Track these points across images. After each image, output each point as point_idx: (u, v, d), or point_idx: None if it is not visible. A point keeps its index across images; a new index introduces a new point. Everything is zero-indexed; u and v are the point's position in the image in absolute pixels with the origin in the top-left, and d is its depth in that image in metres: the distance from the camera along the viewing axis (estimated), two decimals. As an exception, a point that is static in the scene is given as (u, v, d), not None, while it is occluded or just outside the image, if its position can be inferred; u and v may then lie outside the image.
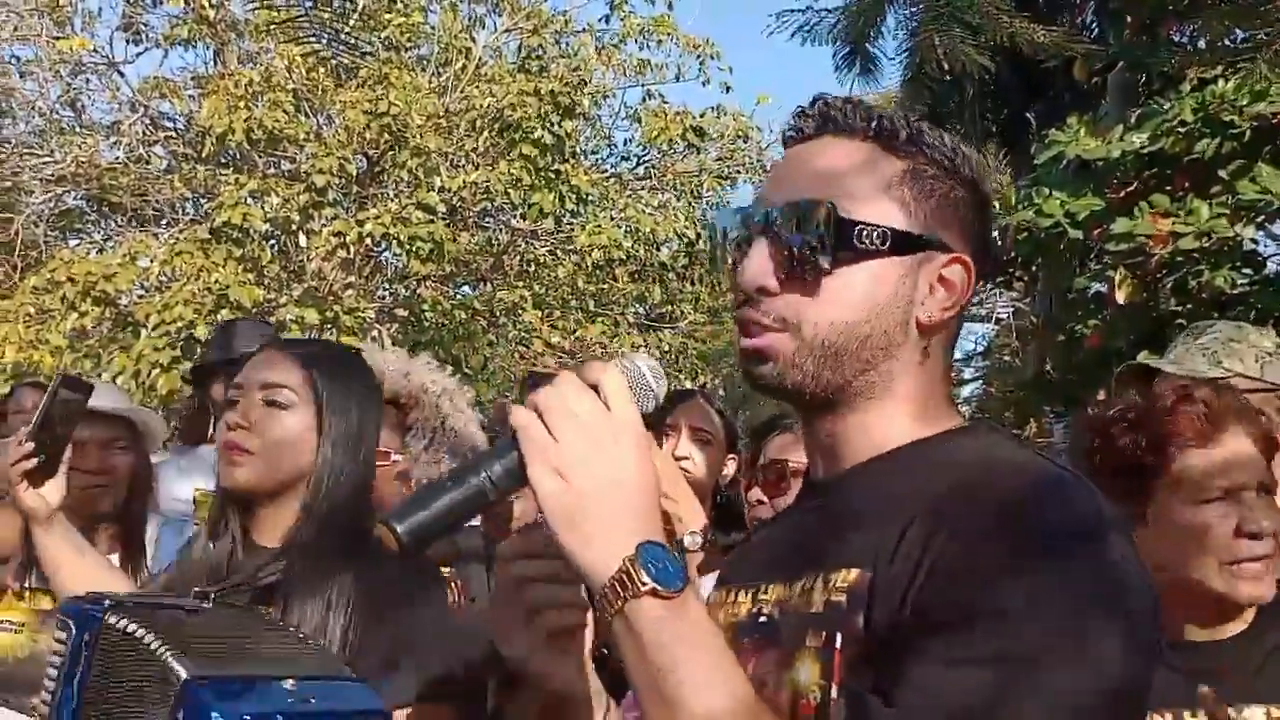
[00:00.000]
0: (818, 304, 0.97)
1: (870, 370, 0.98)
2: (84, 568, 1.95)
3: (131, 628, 1.24)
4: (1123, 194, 5.57)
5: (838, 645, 0.89)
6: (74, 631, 1.29)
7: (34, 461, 1.85)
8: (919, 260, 0.98)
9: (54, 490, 1.89)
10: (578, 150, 11.03)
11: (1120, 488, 1.47)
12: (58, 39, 10.55)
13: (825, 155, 1.00)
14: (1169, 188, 5.48)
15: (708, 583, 2.02)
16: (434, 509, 0.88)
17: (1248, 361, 2.03)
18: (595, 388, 0.89)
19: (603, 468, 0.86)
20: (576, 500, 0.85)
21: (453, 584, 2.08)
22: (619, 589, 0.84)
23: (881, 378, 0.98)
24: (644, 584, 0.83)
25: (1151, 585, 0.87)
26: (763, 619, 1.00)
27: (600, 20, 11.90)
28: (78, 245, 11.44)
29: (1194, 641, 1.44)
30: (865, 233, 0.96)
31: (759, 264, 0.98)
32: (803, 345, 0.97)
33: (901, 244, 0.97)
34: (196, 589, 1.47)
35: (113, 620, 1.26)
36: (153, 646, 1.20)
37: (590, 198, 10.57)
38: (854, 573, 0.91)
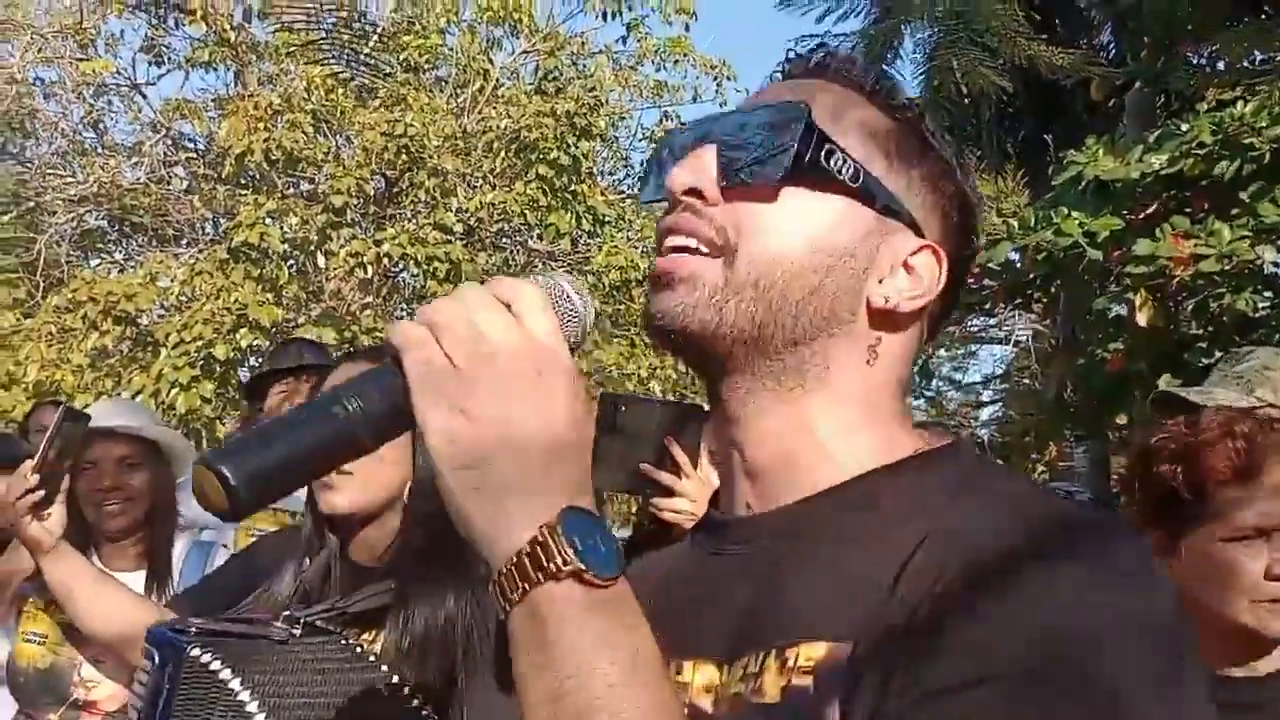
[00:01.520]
0: (764, 225, 0.75)
1: (803, 345, 0.76)
2: (99, 594, 1.96)
3: (213, 664, 1.23)
4: (1142, 215, 5.55)
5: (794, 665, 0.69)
6: (157, 662, 1.28)
7: (40, 495, 1.86)
8: (888, 227, 0.78)
9: (55, 521, 1.91)
10: (594, 171, 11.08)
11: (1157, 517, 1.48)
12: (81, 61, 10.68)
13: (814, 88, 0.81)
14: (1188, 209, 5.46)
15: None
16: (277, 450, 0.63)
17: None
18: (509, 305, 0.67)
19: (520, 406, 0.63)
20: (480, 445, 0.63)
21: None
22: (530, 566, 0.62)
23: (815, 363, 0.76)
24: (566, 562, 0.61)
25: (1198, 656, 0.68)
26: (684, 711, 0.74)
27: (617, 42, 11.98)
28: (99, 265, 11.55)
29: (1232, 677, 1.42)
30: (838, 156, 0.76)
31: (696, 164, 0.77)
32: (732, 278, 0.74)
33: (874, 192, 0.77)
34: (287, 612, 1.43)
35: (195, 653, 1.26)
36: (231, 686, 1.20)
37: (607, 218, 10.61)
38: (821, 647, 0.68)
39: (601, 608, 0.62)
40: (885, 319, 0.78)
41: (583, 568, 0.61)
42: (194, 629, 1.34)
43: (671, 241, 0.77)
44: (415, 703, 1.37)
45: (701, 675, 0.75)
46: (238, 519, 0.65)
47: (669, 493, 1.97)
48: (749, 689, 0.71)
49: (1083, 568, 0.64)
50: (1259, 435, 1.41)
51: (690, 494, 2.02)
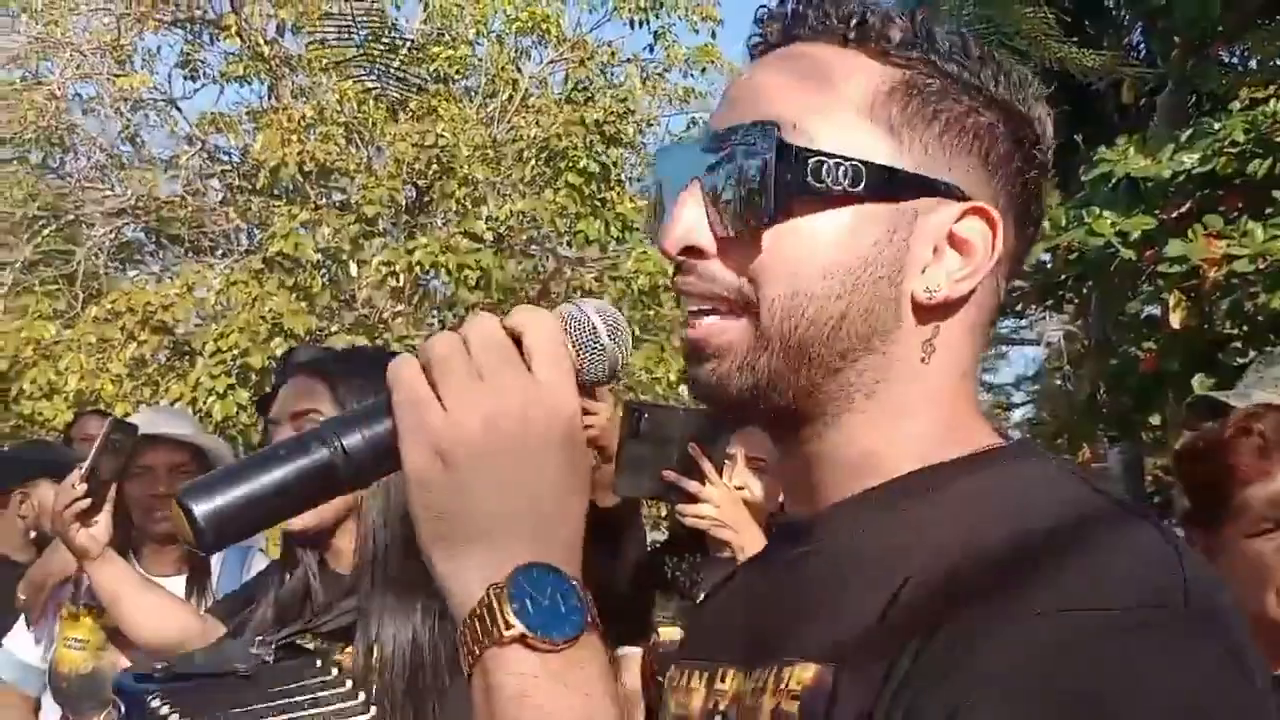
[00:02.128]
0: (771, 267, 0.68)
1: (846, 369, 0.69)
2: (145, 600, 2.00)
3: (170, 715, 1.27)
4: (1175, 215, 5.51)
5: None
6: (123, 713, 1.32)
7: (86, 503, 1.91)
8: (912, 210, 0.68)
9: (102, 529, 1.95)
10: (623, 178, 11.12)
11: (1196, 520, 1.50)
12: (118, 76, 10.87)
13: (784, 65, 0.71)
14: (1221, 209, 5.41)
15: None
16: (252, 487, 0.60)
17: None
18: (518, 340, 0.63)
19: (501, 454, 0.59)
20: (456, 495, 0.59)
21: None
22: (478, 628, 0.58)
23: (863, 380, 0.69)
24: (508, 626, 0.57)
25: (1256, 677, 0.59)
26: (717, 718, 0.73)
27: (645, 50, 12.04)
28: (136, 276, 11.73)
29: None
30: (826, 168, 0.66)
31: (688, 215, 0.69)
32: (760, 336, 0.68)
33: (884, 185, 0.67)
34: (261, 637, 1.43)
35: (154, 704, 1.29)
36: None
37: (635, 225, 10.65)
38: (811, 670, 0.64)
39: (550, 674, 0.58)
40: (937, 310, 0.70)
41: (525, 632, 0.57)
42: (159, 676, 1.35)
43: (690, 306, 0.71)
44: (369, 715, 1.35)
45: (732, 682, 0.73)
46: (208, 553, 0.61)
47: (693, 499, 1.99)
48: (755, 704, 0.68)
49: (1069, 620, 0.56)
50: (1277, 429, 1.41)
51: (715, 500, 2.04)
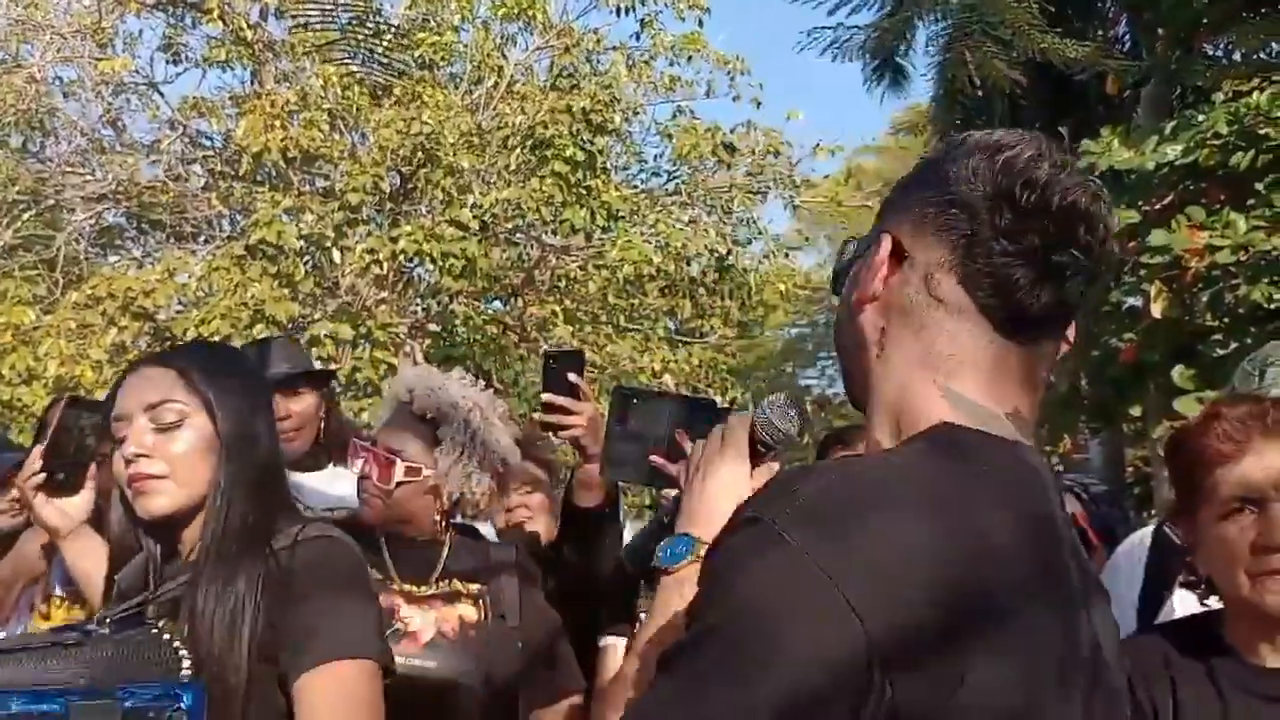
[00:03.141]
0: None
1: (855, 373, 1.00)
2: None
3: None
4: (1158, 207, 5.54)
5: None
6: None
7: (41, 477, 1.92)
8: (868, 255, 1.00)
9: (79, 506, 1.96)
10: (609, 166, 11.09)
11: (1178, 511, 1.51)
12: (99, 60, 10.77)
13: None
14: (1204, 200, 5.44)
15: None
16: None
17: None
18: (725, 438, 1.14)
19: (701, 492, 1.12)
20: (682, 514, 1.14)
21: (479, 601, 2.08)
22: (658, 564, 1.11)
23: (859, 384, 1.00)
24: (659, 561, 1.10)
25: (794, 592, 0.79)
26: None
27: (631, 37, 11.99)
28: (117, 262, 11.64)
29: (1270, 668, 1.42)
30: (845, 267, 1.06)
31: None
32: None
33: (850, 259, 1.05)
34: (99, 614, 1.49)
35: None
36: None
37: (621, 213, 10.62)
38: None
39: (667, 584, 1.09)
40: (877, 311, 0.96)
41: (660, 565, 1.10)
42: None
43: None
44: (176, 645, 1.44)
45: None
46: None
47: (678, 485, 1.99)
48: None
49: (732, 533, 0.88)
50: (1248, 416, 1.42)
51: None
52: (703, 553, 0.93)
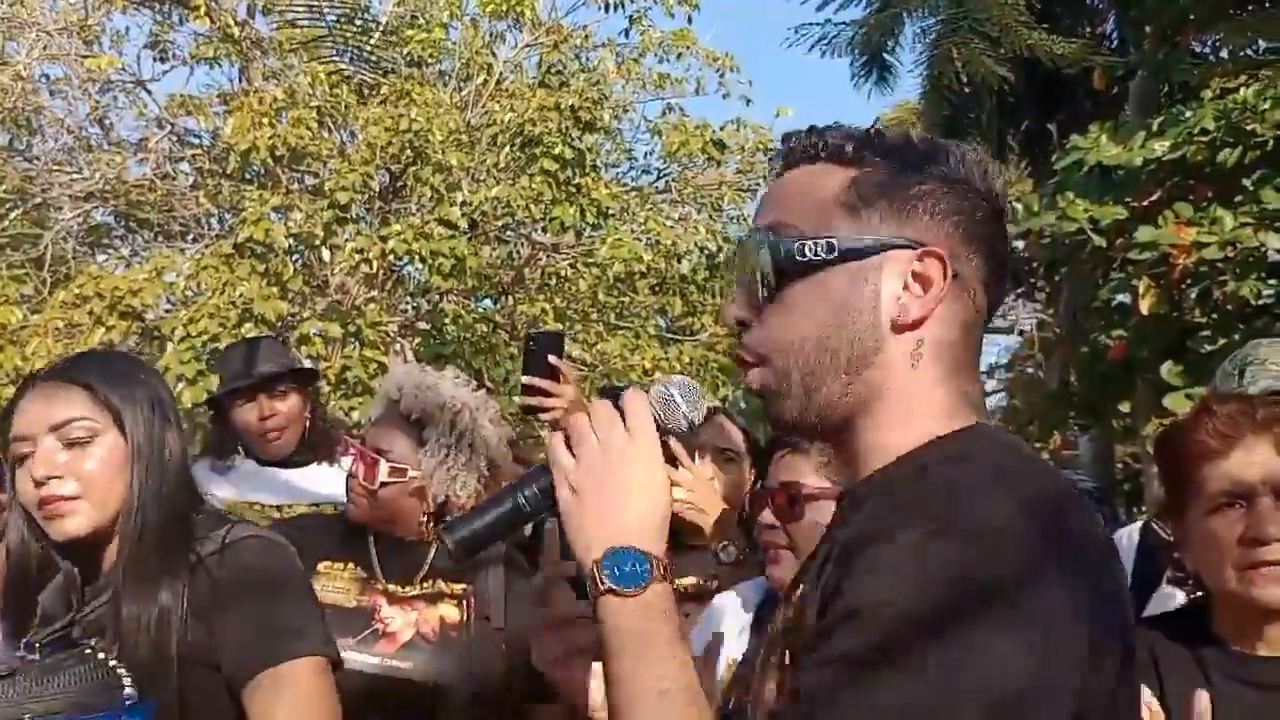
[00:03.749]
0: (777, 328, 0.97)
1: (855, 382, 0.96)
2: None
3: None
4: (1146, 203, 5.55)
5: (786, 662, 0.93)
6: None
7: None
8: (878, 263, 0.95)
9: None
10: (598, 164, 11.06)
11: (1168, 508, 1.53)
12: (86, 57, 10.70)
13: (780, 184, 1.02)
14: (1192, 197, 5.45)
15: (727, 599, 2.04)
16: (481, 523, 1.05)
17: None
18: (622, 412, 0.99)
19: (606, 483, 0.97)
20: (579, 511, 0.98)
21: (463, 602, 2.07)
22: (590, 586, 0.96)
23: (869, 388, 0.96)
24: (602, 584, 0.94)
25: (1038, 560, 0.81)
26: None
27: (620, 35, 11.96)
28: (105, 261, 11.57)
29: (1260, 656, 1.43)
30: (809, 246, 0.95)
31: (736, 298, 1.01)
32: (778, 374, 0.97)
33: (851, 251, 0.95)
34: (26, 639, 1.46)
35: None
36: None
37: (611, 211, 10.59)
38: (811, 611, 0.92)
39: (629, 611, 0.93)
40: (910, 326, 0.96)
41: (614, 587, 0.93)
42: None
43: (738, 359, 1.02)
44: (120, 671, 1.42)
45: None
46: (459, 562, 1.06)
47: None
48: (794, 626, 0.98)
49: (930, 512, 0.84)
50: (1238, 412, 1.43)
51: (686, 484, 2.04)
52: (662, 571, 0.94)
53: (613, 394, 1.93)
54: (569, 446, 1.00)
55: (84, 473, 1.51)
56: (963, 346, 0.98)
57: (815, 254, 0.95)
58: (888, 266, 0.95)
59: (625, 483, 0.97)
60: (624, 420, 0.99)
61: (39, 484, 1.50)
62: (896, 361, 0.96)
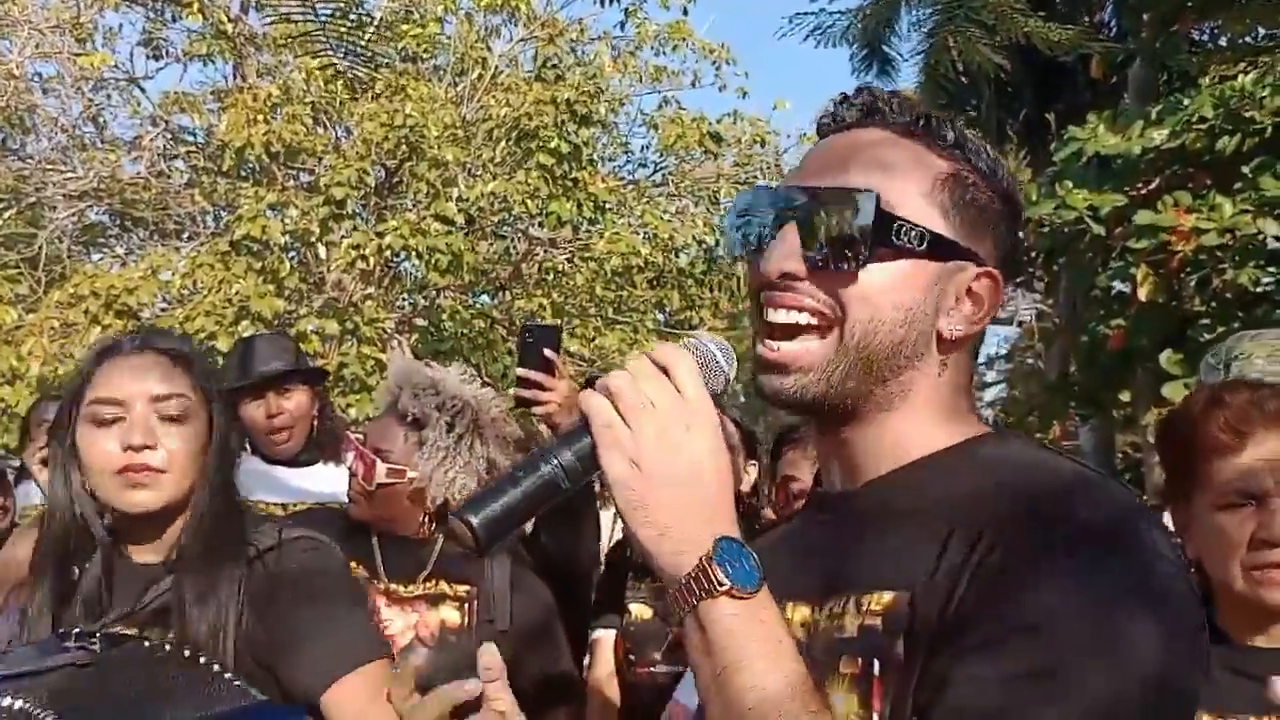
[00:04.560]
0: (858, 296, 0.92)
1: (892, 380, 0.94)
2: None
3: (36, 712, 1.24)
4: (1144, 191, 5.53)
5: (876, 673, 0.86)
6: None
7: (45, 452, 1.90)
8: (952, 269, 0.94)
9: None
10: (595, 158, 11.03)
11: (1170, 494, 1.51)
12: (79, 55, 10.66)
13: (870, 146, 0.95)
14: (1190, 185, 5.44)
15: None
16: (507, 500, 0.84)
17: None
18: (666, 370, 0.86)
19: (677, 456, 0.83)
20: (650, 491, 0.82)
21: (465, 605, 2.04)
22: (694, 587, 0.81)
23: (901, 388, 0.95)
24: (721, 584, 0.81)
25: (1188, 582, 0.84)
26: None
27: (615, 27, 11.93)
28: (100, 259, 11.55)
29: (1259, 647, 1.42)
30: (905, 230, 0.91)
31: (787, 247, 0.92)
32: (841, 349, 0.92)
33: (938, 249, 0.93)
34: (78, 629, 1.43)
35: (10, 703, 1.26)
36: None
37: (608, 205, 10.57)
38: (888, 595, 0.87)
39: (747, 613, 0.81)
40: (954, 343, 0.96)
41: (733, 586, 0.81)
42: None
43: (777, 317, 0.93)
44: (229, 676, 1.41)
45: (799, 614, 0.95)
46: (484, 554, 0.90)
47: None
48: (834, 625, 0.91)
49: (1081, 554, 0.81)
50: (1249, 405, 1.40)
51: None
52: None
53: (540, 331, 1.87)
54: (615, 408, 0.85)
55: (173, 448, 1.52)
56: (974, 363, 1.01)
57: (911, 241, 0.91)
58: (954, 276, 0.94)
59: (699, 457, 0.83)
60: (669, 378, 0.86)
61: (132, 449, 1.50)
62: (930, 369, 0.96)
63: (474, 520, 0.83)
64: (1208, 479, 1.42)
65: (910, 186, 0.93)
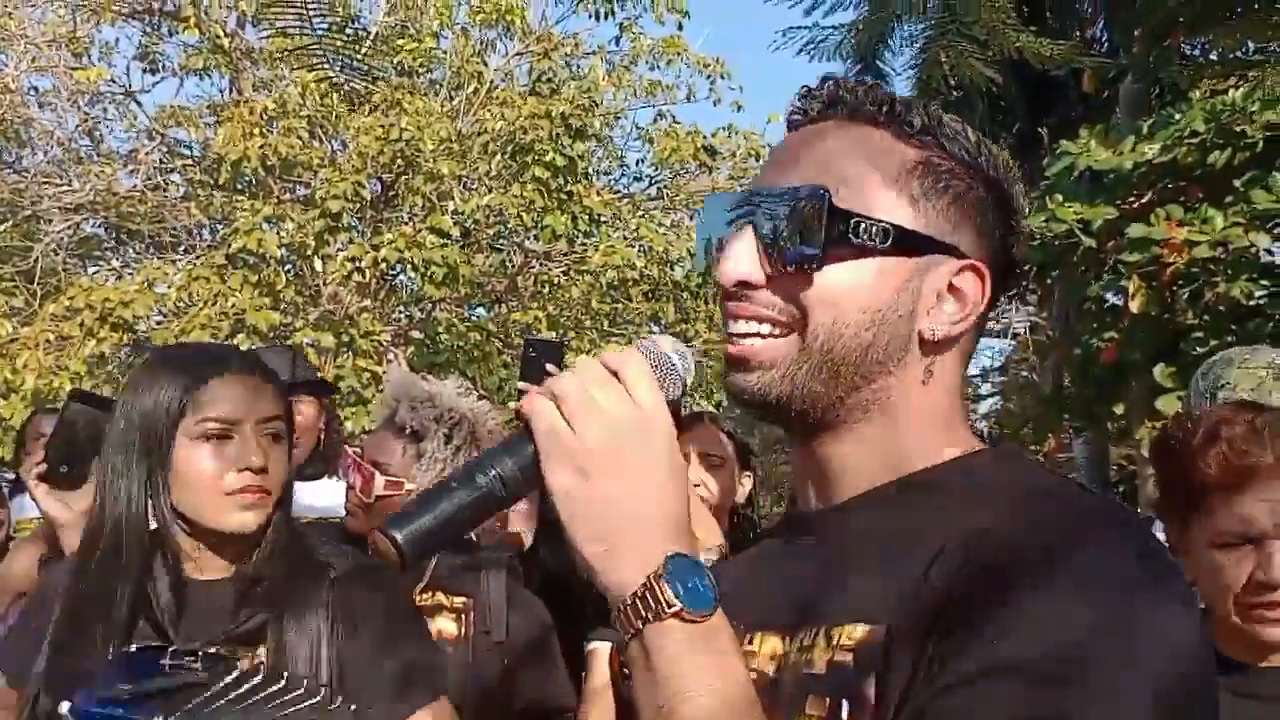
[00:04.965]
0: (818, 299, 0.84)
1: (865, 387, 0.86)
2: None
3: None
4: (1136, 205, 5.56)
5: (844, 715, 0.78)
6: None
7: (43, 468, 1.92)
8: (925, 264, 0.85)
9: (81, 499, 1.94)
10: (590, 172, 11.06)
11: (1169, 511, 1.49)
12: (75, 69, 10.68)
13: (828, 139, 0.87)
14: (1183, 199, 5.46)
15: None
16: (437, 514, 0.77)
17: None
18: (617, 374, 0.79)
19: (627, 465, 0.76)
20: (598, 504, 0.76)
21: (462, 616, 2.05)
22: (641, 608, 0.74)
23: (877, 397, 0.86)
24: (670, 605, 0.73)
25: (1207, 648, 0.77)
26: (751, 676, 0.83)
27: (610, 42, 11.97)
28: (96, 273, 11.53)
29: (1260, 668, 1.41)
30: (864, 226, 0.83)
31: (742, 253, 0.85)
32: (804, 351, 0.85)
33: (906, 243, 0.84)
34: (175, 647, 1.41)
35: None
36: None
37: (603, 219, 10.60)
38: (862, 628, 0.79)
39: (699, 640, 0.74)
40: (937, 345, 0.87)
41: (683, 609, 0.74)
42: (128, 696, 1.33)
43: (738, 328, 0.87)
44: (338, 705, 1.41)
45: (768, 645, 0.86)
46: (405, 571, 0.84)
47: None
48: (803, 659, 0.82)
49: (1083, 573, 0.73)
50: (1250, 441, 1.37)
51: (700, 536, 2.02)
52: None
53: (543, 346, 1.84)
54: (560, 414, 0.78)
55: (275, 470, 1.54)
56: (961, 377, 0.91)
57: (870, 237, 0.83)
58: (930, 272, 0.86)
59: (651, 466, 0.77)
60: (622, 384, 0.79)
61: (250, 471, 1.49)
62: (912, 376, 0.87)
63: (398, 536, 0.76)
64: (1206, 513, 1.40)
65: (872, 179, 0.85)
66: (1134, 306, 5.40)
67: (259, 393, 1.55)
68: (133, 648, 1.42)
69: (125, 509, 1.50)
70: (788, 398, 0.85)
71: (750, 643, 0.86)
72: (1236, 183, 5.26)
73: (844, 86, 0.89)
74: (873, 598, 0.79)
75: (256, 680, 1.38)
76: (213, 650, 1.43)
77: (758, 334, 0.86)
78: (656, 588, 0.74)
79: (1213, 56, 7.70)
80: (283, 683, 1.39)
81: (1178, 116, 5.55)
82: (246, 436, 1.51)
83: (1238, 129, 5.24)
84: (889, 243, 0.84)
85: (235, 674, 1.38)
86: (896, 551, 0.81)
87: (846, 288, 0.84)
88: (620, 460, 0.76)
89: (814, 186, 0.83)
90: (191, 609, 1.49)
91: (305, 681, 1.41)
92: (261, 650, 1.46)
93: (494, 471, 0.78)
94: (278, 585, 1.49)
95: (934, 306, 0.86)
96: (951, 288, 0.86)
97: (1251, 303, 5.24)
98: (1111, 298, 6.04)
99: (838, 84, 0.89)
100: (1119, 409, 6.20)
